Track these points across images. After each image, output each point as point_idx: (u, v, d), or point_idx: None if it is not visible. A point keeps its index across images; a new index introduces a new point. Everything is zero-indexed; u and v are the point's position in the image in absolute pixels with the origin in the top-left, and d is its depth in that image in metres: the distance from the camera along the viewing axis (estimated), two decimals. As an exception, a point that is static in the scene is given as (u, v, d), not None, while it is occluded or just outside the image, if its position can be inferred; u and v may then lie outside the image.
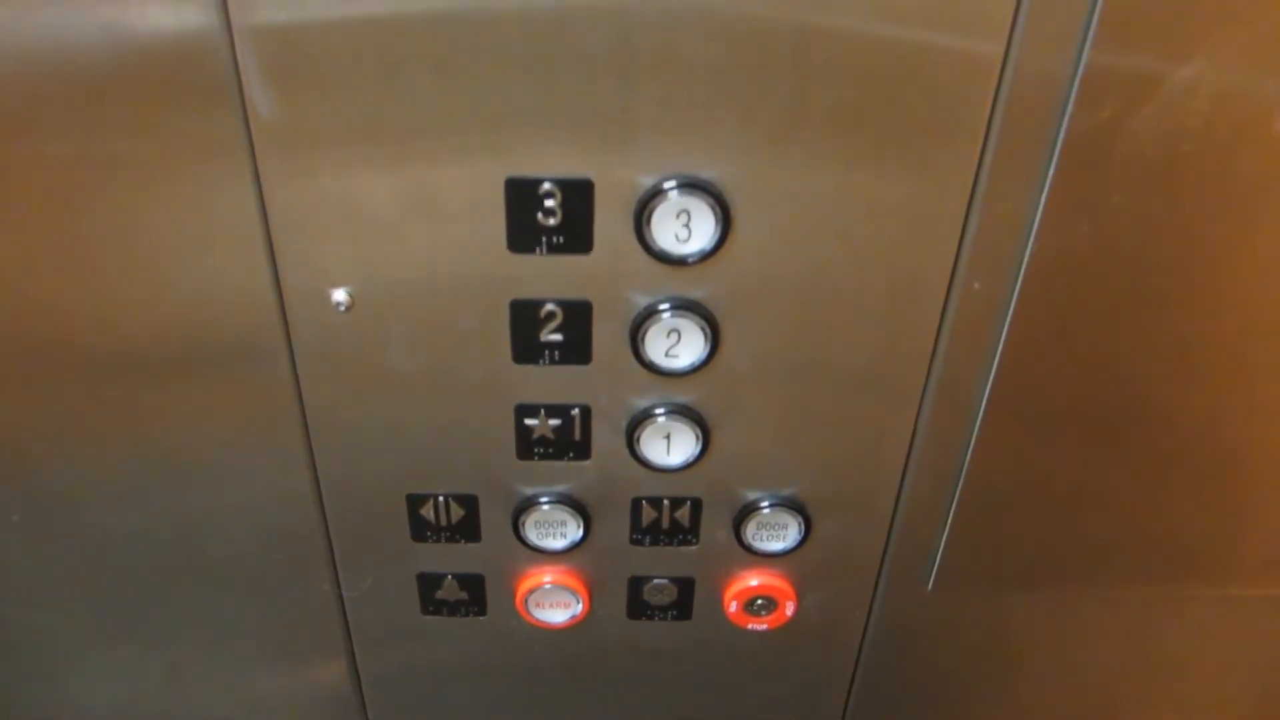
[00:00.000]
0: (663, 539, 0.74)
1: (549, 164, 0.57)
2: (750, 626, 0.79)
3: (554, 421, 0.67)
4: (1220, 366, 0.67)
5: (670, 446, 0.68)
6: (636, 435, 0.67)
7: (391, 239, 0.59)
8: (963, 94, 0.55)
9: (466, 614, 0.78)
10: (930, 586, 0.78)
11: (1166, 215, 0.59)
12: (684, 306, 0.61)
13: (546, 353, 0.64)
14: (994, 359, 0.66)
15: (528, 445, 0.68)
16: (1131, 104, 0.56)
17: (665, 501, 0.72)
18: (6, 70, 0.54)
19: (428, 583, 0.76)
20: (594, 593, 0.77)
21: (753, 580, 0.76)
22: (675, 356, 0.63)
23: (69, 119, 0.55)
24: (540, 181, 0.57)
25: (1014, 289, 0.62)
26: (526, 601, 0.76)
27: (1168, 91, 0.55)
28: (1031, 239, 0.60)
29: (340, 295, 0.61)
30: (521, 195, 0.57)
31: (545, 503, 0.71)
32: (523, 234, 0.59)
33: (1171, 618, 0.83)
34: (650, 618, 0.79)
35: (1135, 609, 0.82)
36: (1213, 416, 0.70)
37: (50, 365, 0.65)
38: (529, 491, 0.71)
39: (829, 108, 0.55)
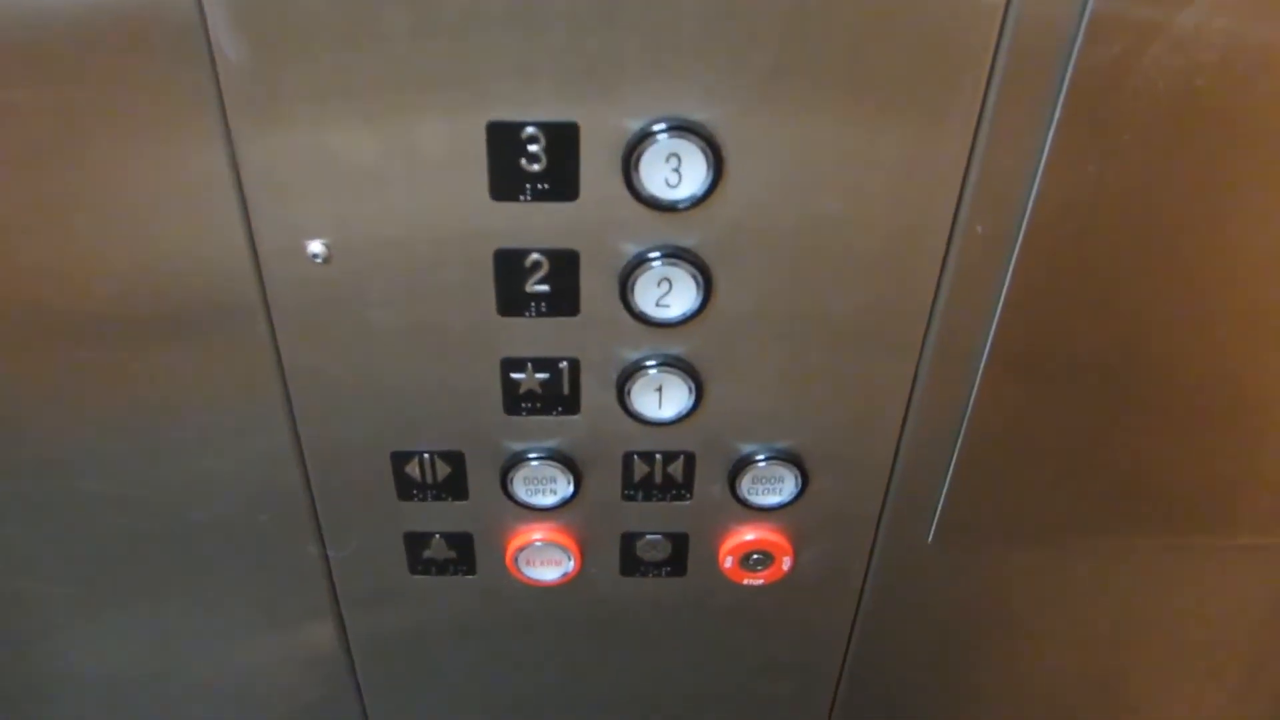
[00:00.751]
0: (655, 494, 0.72)
1: (532, 108, 0.54)
2: (746, 582, 0.77)
3: (542, 375, 0.65)
4: (1229, 314, 0.65)
5: (662, 399, 0.66)
6: (627, 388, 0.65)
7: (368, 188, 0.56)
8: (966, 33, 0.53)
9: (455, 573, 0.77)
10: (930, 540, 0.77)
11: (1178, 155, 0.57)
12: (675, 255, 0.59)
13: (533, 304, 0.61)
14: (996, 307, 0.63)
15: (515, 400, 0.66)
16: (1142, 39, 0.53)
17: (658, 456, 0.70)
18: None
19: (415, 542, 0.74)
20: (585, 550, 0.75)
21: (748, 535, 0.75)
22: (666, 306, 0.61)
23: (30, 73, 0.53)
24: (523, 125, 0.54)
25: (1018, 234, 0.60)
26: (517, 559, 0.75)
27: (1180, 25, 0.53)
28: (1037, 182, 0.58)
29: (317, 247, 0.58)
30: (504, 140, 0.55)
31: (534, 459, 0.69)
32: (506, 181, 0.56)
33: (1174, 569, 0.82)
34: (644, 574, 0.77)
35: (1137, 560, 0.81)
36: (1219, 365, 0.68)
37: (21, 328, 0.63)
38: (517, 447, 0.69)
39: (825, 49, 0.52)
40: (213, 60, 0.52)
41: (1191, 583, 0.83)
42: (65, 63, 0.52)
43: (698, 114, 0.54)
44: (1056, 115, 0.55)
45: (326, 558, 0.76)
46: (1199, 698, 0.94)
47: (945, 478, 0.73)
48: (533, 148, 0.55)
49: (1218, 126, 0.56)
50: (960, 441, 0.71)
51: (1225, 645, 0.89)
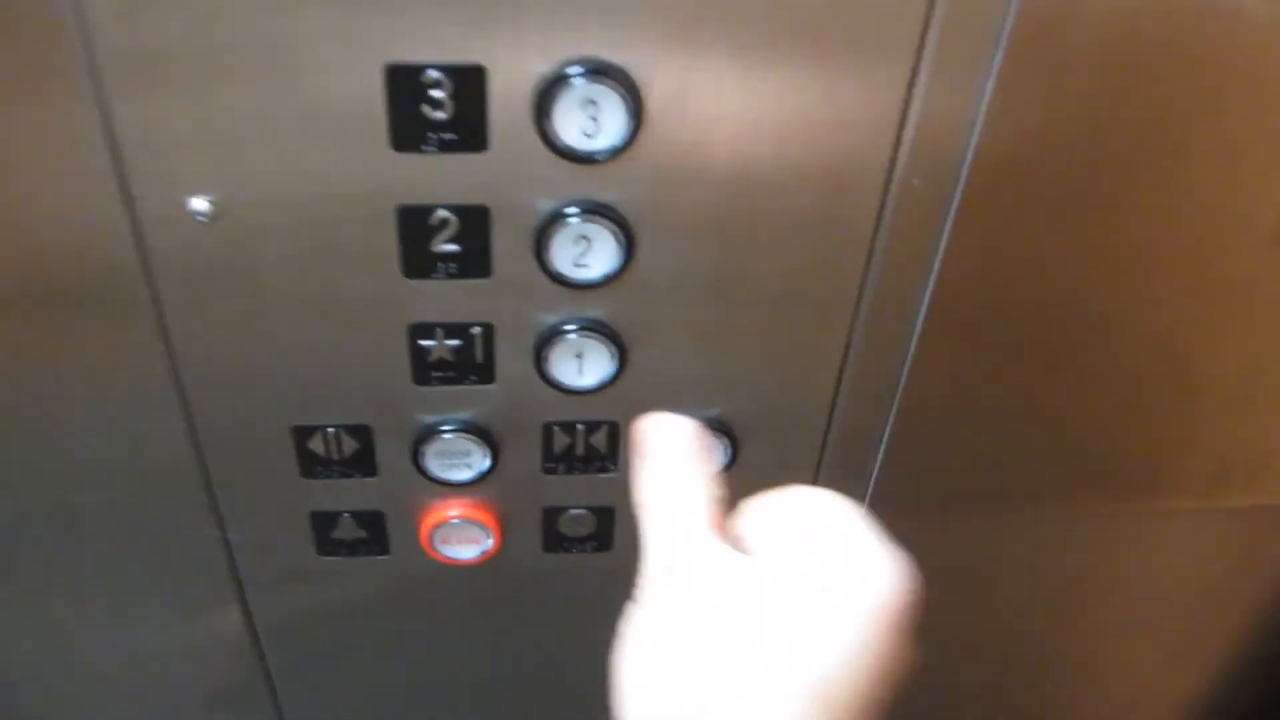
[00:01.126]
0: (578, 466, 0.68)
1: (435, 49, 0.49)
2: (674, 556, 0.74)
3: (453, 342, 0.60)
4: (1171, 273, 0.63)
5: (582, 366, 0.62)
6: (545, 355, 0.61)
7: (254, 138, 0.51)
8: None
9: (367, 554, 0.72)
10: (864, 510, 0.74)
11: (1124, 102, 0.54)
12: (594, 210, 0.55)
13: (441, 265, 0.57)
14: (933, 267, 0.60)
15: (424, 369, 0.61)
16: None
17: (579, 426, 0.66)
18: None
19: (322, 522, 0.70)
20: (505, 526, 0.71)
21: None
22: (585, 266, 0.57)
23: None
24: (425, 68, 0.50)
25: (956, 188, 0.57)
26: (432, 538, 0.70)
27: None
28: (976, 132, 0.55)
29: (200, 205, 0.53)
30: (404, 85, 0.50)
31: (447, 431, 0.64)
32: (407, 130, 0.51)
33: (1112, 535, 0.80)
34: (568, 550, 0.73)
35: (1079, 528, 0.79)
36: (1161, 327, 0.66)
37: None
38: (429, 420, 0.64)
39: (738, 16, 0.49)
40: (81, 14, 0.47)
41: (1131, 549, 0.82)
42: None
43: (617, 56, 0.50)
44: (997, 61, 0.52)
45: (226, 540, 0.70)
46: (1138, 664, 0.93)
47: (880, 445, 0.70)
48: (436, 93, 0.50)
49: (1164, 72, 0.53)
50: (895, 408, 0.68)
51: (1165, 612, 0.88)
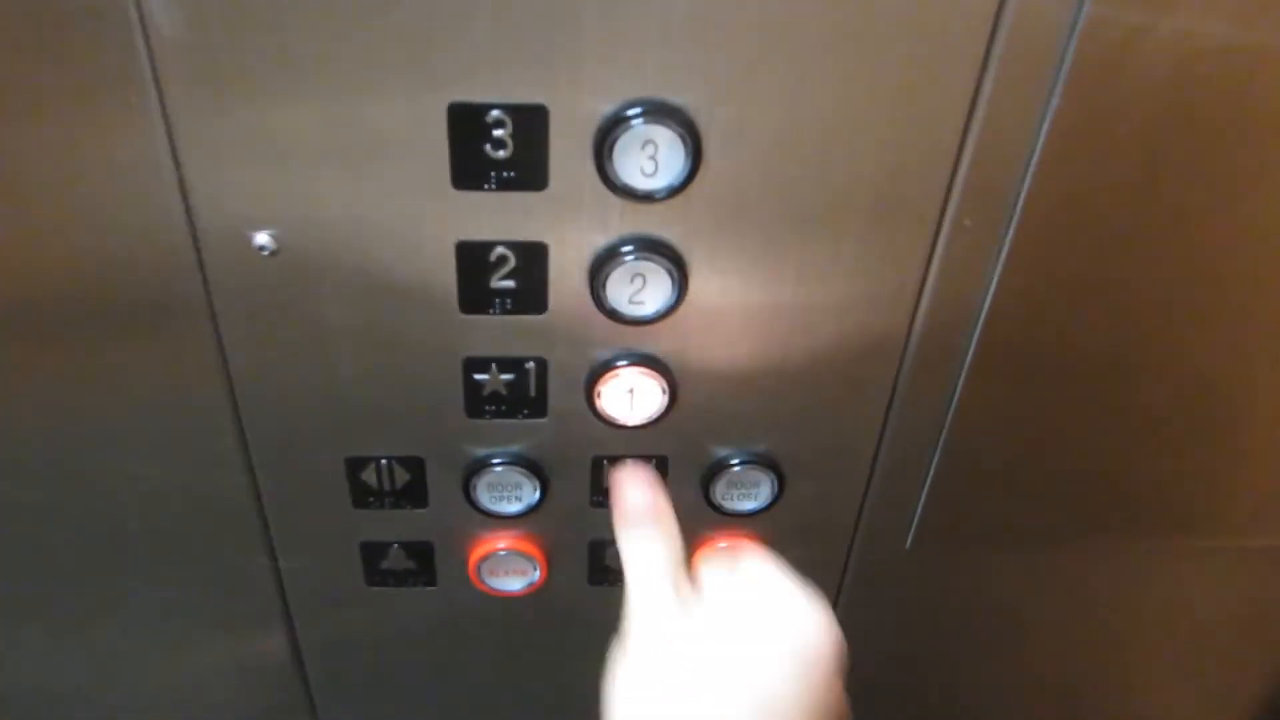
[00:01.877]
0: (626, 501, 0.68)
1: (498, 89, 0.50)
2: (718, 589, 0.74)
3: (506, 376, 0.61)
4: (1218, 315, 0.63)
5: (634, 401, 0.62)
6: (597, 390, 0.61)
7: (319, 174, 0.52)
8: (958, 22, 0.50)
9: (415, 584, 0.73)
10: (909, 545, 0.74)
11: (1177, 145, 0.54)
12: (650, 248, 0.56)
13: (497, 301, 0.57)
14: (983, 305, 0.61)
15: (478, 402, 0.62)
16: (1144, 23, 0.50)
17: (629, 461, 0.66)
18: None
19: (372, 552, 0.70)
20: (552, 559, 0.72)
21: (723, 543, 0.71)
22: (640, 304, 0.57)
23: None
24: (488, 108, 0.50)
25: (1009, 227, 0.57)
26: (480, 569, 0.71)
27: (1183, 10, 0.50)
28: (1030, 173, 0.55)
29: (263, 239, 0.54)
30: (467, 123, 0.51)
31: (498, 464, 0.65)
32: (469, 168, 0.52)
33: (1156, 573, 0.80)
34: (614, 584, 0.74)
35: (1120, 565, 0.79)
36: (1208, 364, 0.66)
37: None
38: (480, 452, 0.65)
39: (813, 33, 0.49)
40: (147, 38, 0.48)
41: (1172, 586, 0.82)
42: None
43: (676, 97, 0.51)
44: (1053, 103, 0.52)
45: (277, 569, 0.71)
46: (1177, 704, 0.92)
47: (925, 482, 0.70)
48: (498, 132, 0.51)
49: (1216, 119, 0.54)
50: (941, 445, 0.68)
51: (1203, 652, 0.87)
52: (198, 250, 0.55)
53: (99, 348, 0.59)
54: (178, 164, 0.52)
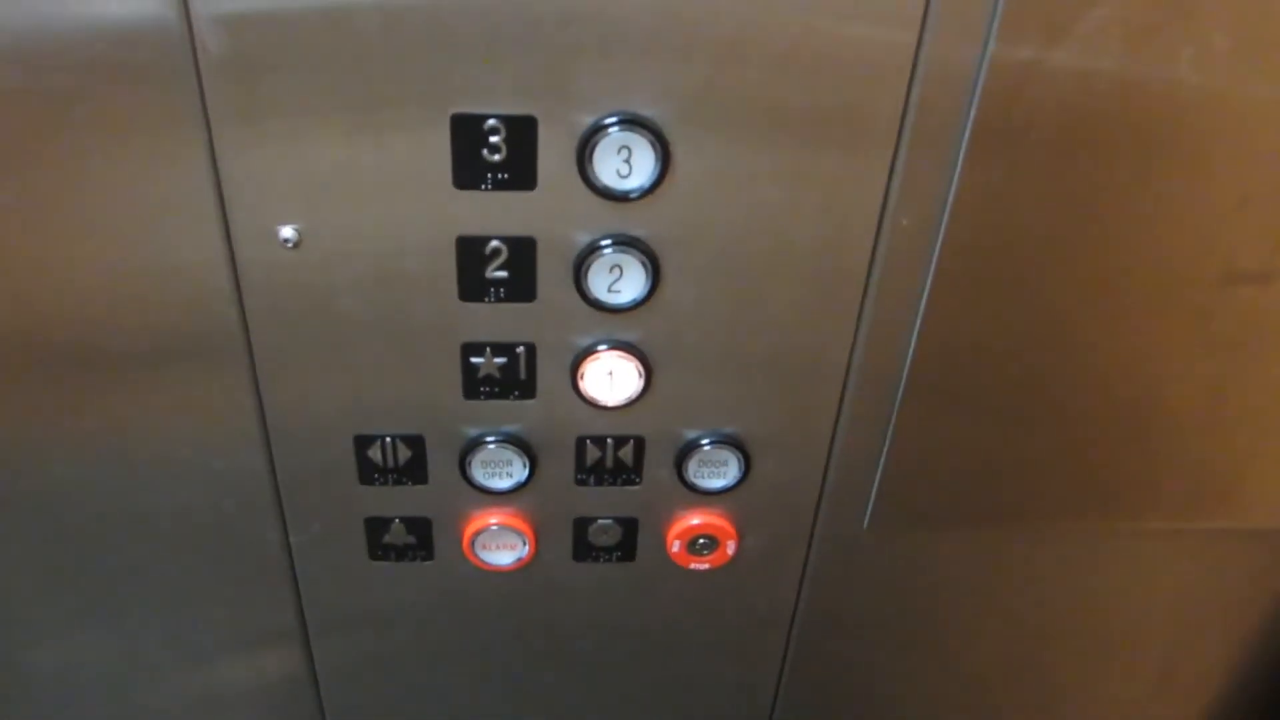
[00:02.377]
0: (607, 478, 0.76)
1: (494, 101, 0.58)
2: (693, 566, 0.81)
3: (500, 360, 0.69)
4: (1138, 307, 0.71)
5: (613, 383, 0.70)
6: (580, 372, 0.69)
7: (338, 175, 0.60)
8: (881, 63, 0.58)
9: (414, 558, 0.80)
10: (866, 525, 0.81)
11: (1083, 152, 0.62)
12: (625, 243, 0.63)
13: (492, 290, 0.65)
14: (921, 301, 0.68)
15: (474, 384, 0.70)
16: (1047, 44, 0.59)
17: (609, 440, 0.74)
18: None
19: (375, 527, 0.77)
20: (540, 534, 0.79)
21: (695, 519, 0.78)
22: (617, 292, 0.65)
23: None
24: (485, 118, 0.59)
25: (940, 227, 0.65)
26: (474, 544, 0.78)
27: (1082, 31, 0.58)
28: (955, 181, 0.63)
29: (288, 232, 0.62)
30: (467, 131, 0.59)
31: (491, 442, 0.72)
32: (468, 170, 0.60)
33: (1101, 555, 0.87)
34: (595, 559, 0.81)
35: (1062, 545, 0.86)
36: (1127, 358, 0.73)
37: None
38: (475, 431, 0.72)
39: (755, 65, 0.58)
40: (195, 58, 0.56)
41: (1114, 569, 0.89)
42: (52, 80, 0.56)
43: (647, 109, 0.59)
44: (971, 115, 0.61)
45: (288, 544, 0.78)
46: (1130, 685, 0.99)
47: (878, 465, 0.77)
48: (494, 139, 0.59)
49: (1117, 128, 0.62)
50: (890, 429, 0.75)
51: (1152, 634, 0.94)
52: (229, 242, 0.63)
53: (140, 334, 0.67)
54: (215, 162, 0.59)
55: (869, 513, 0.80)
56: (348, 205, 0.61)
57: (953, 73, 0.59)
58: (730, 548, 0.80)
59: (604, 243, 0.63)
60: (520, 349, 0.68)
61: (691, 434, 0.74)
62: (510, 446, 0.73)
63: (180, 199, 0.61)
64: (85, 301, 0.65)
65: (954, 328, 0.70)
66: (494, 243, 0.63)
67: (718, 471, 0.75)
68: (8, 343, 0.67)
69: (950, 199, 0.64)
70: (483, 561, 0.79)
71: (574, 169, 0.60)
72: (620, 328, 0.68)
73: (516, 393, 0.70)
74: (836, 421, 0.75)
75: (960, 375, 0.73)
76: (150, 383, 0.69)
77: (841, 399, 0.74)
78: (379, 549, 0.79)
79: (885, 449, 0.77)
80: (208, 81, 0.57)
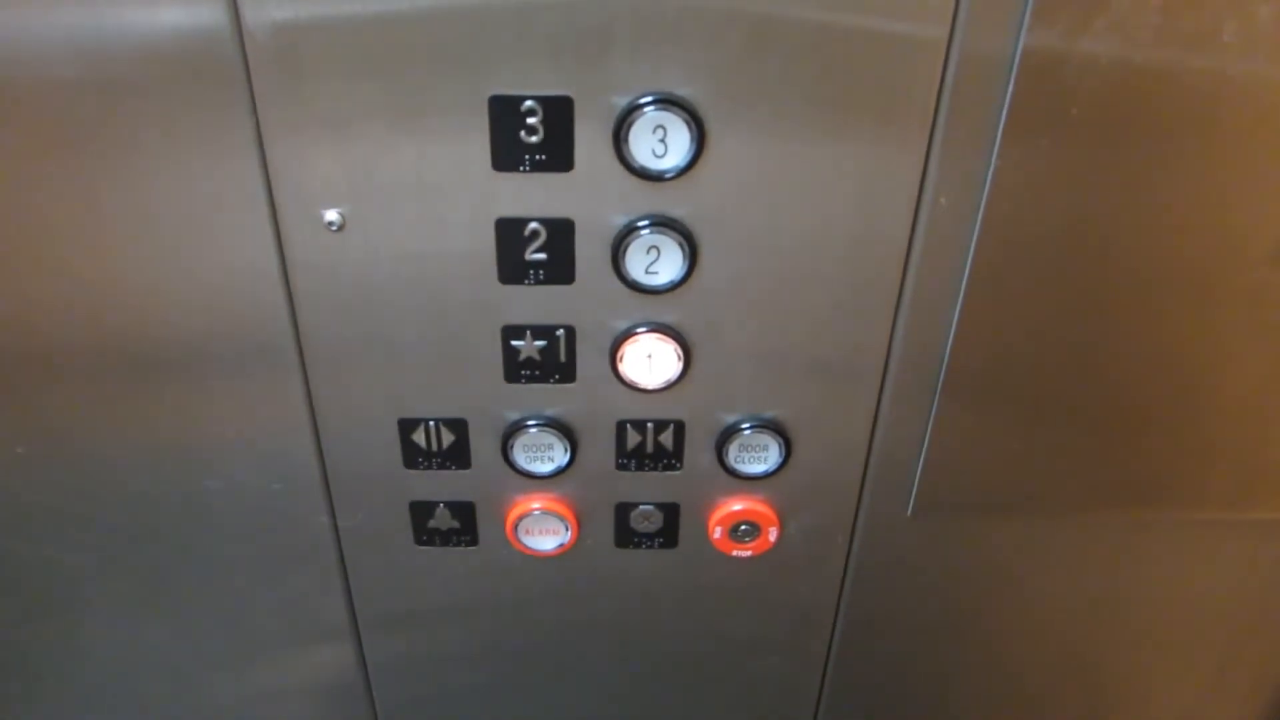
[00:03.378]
0: (648, 463, 0.76)
1: (531, 83, 0.59)
2: (734, 553, 0.81)
3: (540, 343, 0.69)
4: (1182, 291, 0.70)
5: (652, 366, 0.70)
6: (619, 355, 0.69)
7: (380, 159, 0.62)
8: (916, 47, 0.58)
9: (458, 544, 0.81)
10: (910, 512, 0.80)
11: (1124, 126, 0.62)
12: (662, 223, 0.64)
13: (531, 272, 0.66)
14: (961, 283, 0.68)
15: (515, 368, 0.71)
16: (1085, 17, 0.58)
17: (649, 424, 0.74)
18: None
19: (420, 512, 0.79)
20: (582, 519, 0.79)
21: (736, 505, 0.79)
22: (655, 274, 0.66)
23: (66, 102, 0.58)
24: (523, 99, 0.60)
25: (980, 206, 0.65)
26: (516, 529, 0.79)
27: (1118, 6, 0.58)
28: (994, 159, 0.63)
29: (333, 215, 0.64)
30: (505, 113, 0.60)
31: (533, 426, 0.73)
32: (507, 152, 0.61)
33: (1144, 544, 0.86)
34: (637, 545, 0.81)
35: (1111, 534, 0.85)
36: (1178, 338, 0.72)
37: (48, 294, 0.68)
38: (517, 415, 0.73)
39: (791, 45, 0.58)
40: (240, 31, 0.58)
41: (1160, 559, 0.87)
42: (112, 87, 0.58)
43: (682, 89, 0.60)
44: (1010, 90, 0.60)
45: (336, 529, 0.80)
46: (1180, 679, 0.97)
47: (921, 450, 0.77)
48: (531, 120, 0.60)
49: (1157, 101, 0.61)
50: (933, 413, 0.75)
51: (1195, 619, 0.92)
52: (277, 230, 0.64)
53: (191, 316, 0.69)
54: (262, 149, 0.61)
55: (913, 499, 0.80)
56: (390, 189, 0.63)
57: (989, 53, 0.59)
58: (772, 534, 0.80)
59: (641, 223, 0.64)
60: (560, 332, 0.69)
61: (731, 418, 0.74)
62: (551, 430, 0.73)
63: (229, 189, 0.63)
64: (137, 288, 0.67)
65: (995, 312, 0.70)
66: (533, 224, 0.64)
67: (758, 456, 0.76)
68: (63, 329, 0.69)
69: (989, 181, 0.64)
70: (525, 546, 0.80)
71: (610, 150, 0.61)
72: (658, 309, 0.68)
73: (557, 376, 0.71)
74: (878, 406, 0.75)
75: (1003, 360, 0.73)
76: (200, 369, 0.70)
77: (882, 383, 0.73)
78: (424, 534, 0.80)
79: (928, 434, 0.76)
80: (256, 74, 0.59)
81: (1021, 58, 0.59)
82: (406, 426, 0.74)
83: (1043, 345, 0.72)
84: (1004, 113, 0.61)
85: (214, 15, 0.57)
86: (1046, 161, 0.63)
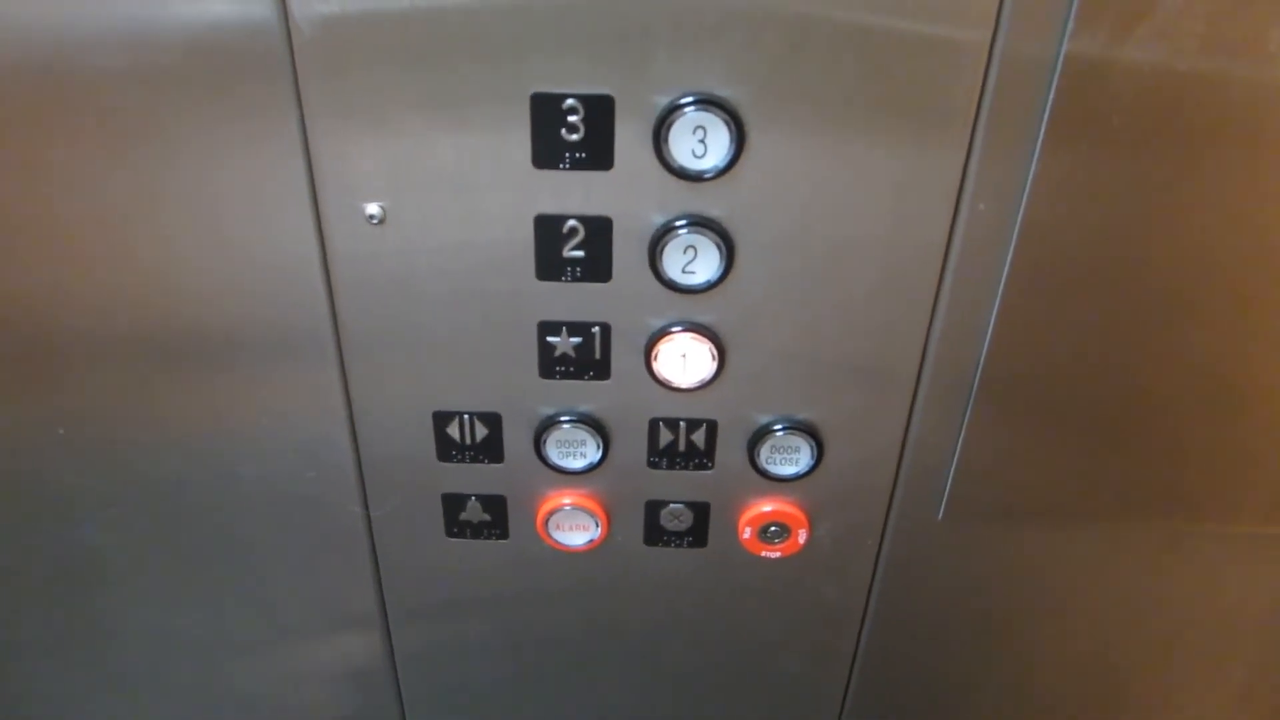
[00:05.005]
0: (679, 462, 0.76)
1: (572, 81, 0.60)
2: (764, 554, 0.81)
3: (575, 339, 0.70)
4: (1219, 304, 0.69)
5: (686, 365, 0.70)
6: (654, 353, 0.70)
7: (421, 154, 0.62)
8: (957, 50, 0.58)
9: (489, 536, 0.81)
10: (940, 516, 0.80)
11: (1166, 133, 0.62)
12: (700, 223, 0.64)
13: (568, 269, 0.66)
14: (998, 288, 0.68)
15: (550, 363, 0.71)
16: (1129, 23, 0.58)
17: (682, 423, 0.74)
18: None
19: (452, 504, 0.79)
20: (612, 516, 0.80)
21: (766, 506, 0.79)
22: (692, 273, 0.66)
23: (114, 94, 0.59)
24: (564, 97, 0.60)
25: (1018, 214, 0.65)
26: (547, 523, 0.79)
27: (1162, 13, 0.58)
28: (1033, 165, 0.63)
29: (373, 209, 0.64)
30: (546, 111, 0.60)
31: (566, 422, 0.74)
32: (547, 150, 0.62)
33: (1177, 556, 0.85)
34: (666, 544, 0.81)
35: (1143, 545, 0.84)
36: (1218, 347, 0.72)
37: (93, 280, 0.69)
38: (550, 411, 0.74)
39: (830, 48, 0.59)
40: (288, 28, 0.58)
41: (1193, 570, 0.86)
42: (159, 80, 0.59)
43: (722, 89, 0.60)
44: (1050, 98, 0.60)
45: (368, 518, 0.80)
46: (1209, 692, 0.96)
47: (954, 455, 0.77)
48: (572, 118, 0.60)
49: (1200, 107, 0.61)
50: (966, 419, 0.75)
51: (1227, 634, 0.91)
52: (318, 222, 0.65)
53: (231, 305, 0.69)
54: (305, 141, 0.62)
55: (944, 504, 0.80)
56: (430, 183, 0.63)
57: (1031, 58, 0.59)
58: (802, 536, 0.80)
59: (679, 223, 0.64)
60: (595, 329, 0.69)
61: (764, 419, 0.74)
62: (584, 427, 0.74)
63: (272, 180, 0.63)
64: (180, 276, 0.68)
65: (1032, 318, 0.70)
66: (571, 222, 0.65)
67: (789, 458, 0.76)
68: (106, 315, 0.70)
69: (1028, 188, 0.64)
70: (556, 541, 0.80)
71: (650, 149, 0.61)
72: (694, 309, 0.69)
73: (591, 373, 0.71)
74: (911, 410, 0.74)
75: (1038, 366, 0.72)
76: (239, 357, 0.71)
77: (916, 387, 0.73)
78: (455, 526, 0.81)
79: (961, 439, 0.76)
80: (301, 67, 0.59)
81: (1064, 63, 0.59)
82: (441, 419, 0.74)
83: (1079, 352, 0.72)
84: (1045, 118, 0.61)
85: (261, 8, 0.57)
86: (1086, 168, 0.62)
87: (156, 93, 0.61)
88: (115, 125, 0.62)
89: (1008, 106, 0.61)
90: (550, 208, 0.64)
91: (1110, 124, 0.61)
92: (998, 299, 0.68)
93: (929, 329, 0.70)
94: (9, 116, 0.61)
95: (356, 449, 0.76)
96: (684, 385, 0.71)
